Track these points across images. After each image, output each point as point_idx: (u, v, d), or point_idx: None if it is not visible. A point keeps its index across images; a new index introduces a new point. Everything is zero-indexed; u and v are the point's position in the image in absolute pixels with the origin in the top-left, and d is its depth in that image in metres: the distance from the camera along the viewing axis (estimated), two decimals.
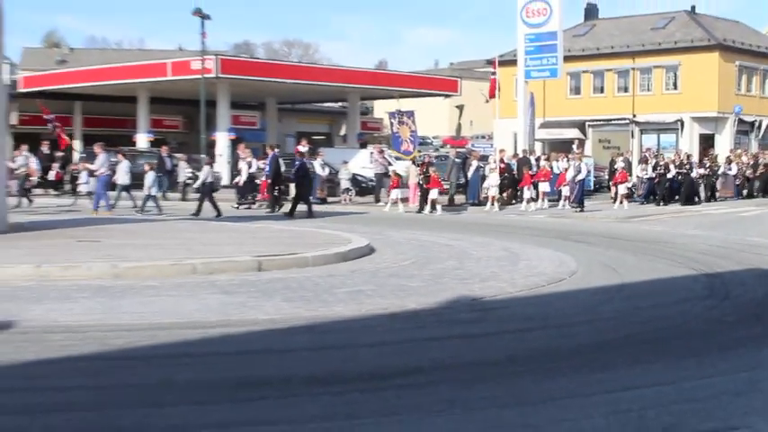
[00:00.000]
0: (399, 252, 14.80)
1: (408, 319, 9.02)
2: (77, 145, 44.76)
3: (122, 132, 45.18)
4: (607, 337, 8.43)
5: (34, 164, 27.78)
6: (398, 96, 44.37)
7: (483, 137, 62.65)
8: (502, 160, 29.14)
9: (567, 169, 27.83)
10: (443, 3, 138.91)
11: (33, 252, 12.69)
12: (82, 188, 26.59)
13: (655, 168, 30.71)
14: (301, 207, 23.30)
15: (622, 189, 27.93)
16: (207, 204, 23.02)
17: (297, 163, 24.74)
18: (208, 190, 23.54)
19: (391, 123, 30.44)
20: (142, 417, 5.58)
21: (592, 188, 33.46)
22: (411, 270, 12.53)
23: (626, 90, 49.77)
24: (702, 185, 32.20)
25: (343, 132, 53.96)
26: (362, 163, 33.22)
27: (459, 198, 29.23)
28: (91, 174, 24.92)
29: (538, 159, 29.88)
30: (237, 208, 26.75)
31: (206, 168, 24.25)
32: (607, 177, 33.42)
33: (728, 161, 34.51)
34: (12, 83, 43.29)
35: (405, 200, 27.01)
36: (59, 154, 32.44)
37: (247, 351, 7.56)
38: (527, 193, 27.40)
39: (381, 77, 48.71)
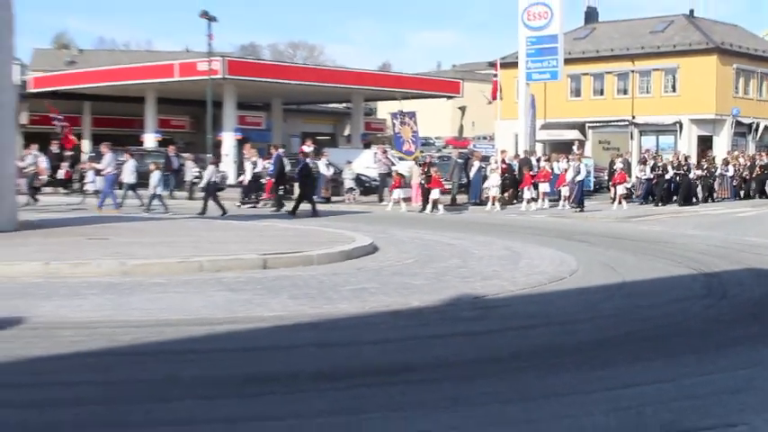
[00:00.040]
0: (402, 251, 14.87)
1: (412, 317, 9.09)
2: (87, 144, 44.89)
3: (130, 132, 45.36)
4: (608, 334, 8.50)
5: (43, 163, 27.96)
6: (401, 97, 44.45)
7: (485, 138, 62.59)
8: (503, 161, 29.27)
9: (566, 170, 27.94)
10: (446, 6, 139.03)
11: (43, 249, 12.79)
12: (89, 187, 26.74)
13: (653, 169, 30.83)
14: (305, 206, 23.43)
15: (621, 189, 28.03)
16: (212, 203, 23.14)
17: (300, 163, 24.92)
18: (212, 189, 23.66)
19: (393, 124, 30.57)
20: (150, 411, 5.63)
21: (592, 189, 33.53)
22: (414, 268, 12.61)
23: (625, 92, 49.89)
24: (700, 186, 32.31)
25: (347, 133, 54.03)
26: (366, 163, 33.29)
27: (462, 198, 29.32)
28: (98, 173, 25.08)
29: (538, 160, 30.00)
30: (240, 206, 26.90)
31: (210, 168, 24.36)
32: (607, 178, 33.53)
33: (725, 163, 34.63)
34: (22, 83, 43.55)
35: (407, 199, 27.13)
36: (69, 153, 32.63)
37: (254, 348, 7.62)
38: (527, 193, 27.51)
39: (385, 79, 48.78)
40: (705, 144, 46.82)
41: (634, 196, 30.93)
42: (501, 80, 33.67)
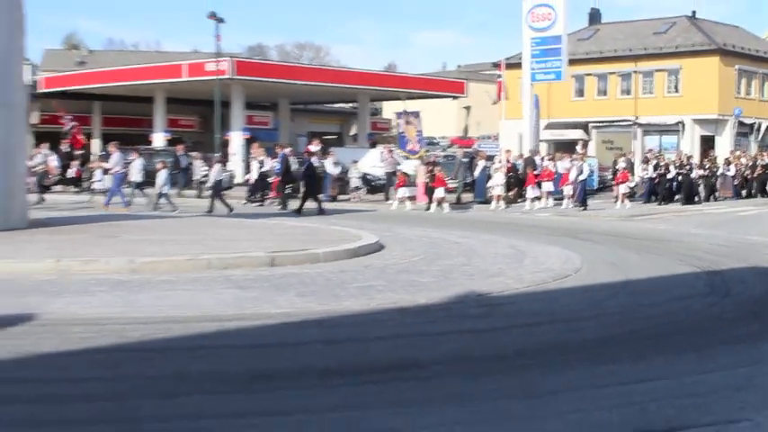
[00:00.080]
0: (408, 248, 14.92)
1: (418, 314, 9.13)
2: (96, 144, 44.98)
3: (140, 132, 45.46)
4: (612, 332, 8.54)
5: (53, 161, 28.09)
6: (405, 97, 44.51)
7: (489, 137, 62.58)
8: (508, 160, 29.32)
9: (569, 169, 28.01)
10: (451, 7, 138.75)
11: (53, 247, 12.86)
12: (97, 185, 26.90)
13: (655, 169, 30.91)
14: (311, 204, 23.53)
15: (623, 188, 28.12)
16: (219, 202, 23.29)
17: (305, 162, 25.03)
18: (218, 188, 23.77)
19: (398, 124, 30.65)
20: (158, 407, 5.67)
21: (596, 188, 33.64)
22: (420, 266, 12.67)
23: (628, 93, 50.02)
24: (702, 186, 32.37)
25: (353, 132, 54.03)
26: (372, 162, 33.38)
27: (467, 197, 29.39)
28: (105, 171, 25.22)
29: (542, 159, 30.08)
30: (245, 204, 27.03)
31: (216, 167, 24.47)
32: (610, 177, 33.63)
33: (727, 162, 34.70)
34: (32, 83, 43.72)
35: (412, 198, 27.21)
36: (79, 152, 32.80)
37: (262, 344, 7.66)
38: (531, 192, 27.58)
39: (391, 79, 48.79)
40: (707, 144, 46.91)
41: (637, 195, 31.00)
42: (506, 80, 33.84)
